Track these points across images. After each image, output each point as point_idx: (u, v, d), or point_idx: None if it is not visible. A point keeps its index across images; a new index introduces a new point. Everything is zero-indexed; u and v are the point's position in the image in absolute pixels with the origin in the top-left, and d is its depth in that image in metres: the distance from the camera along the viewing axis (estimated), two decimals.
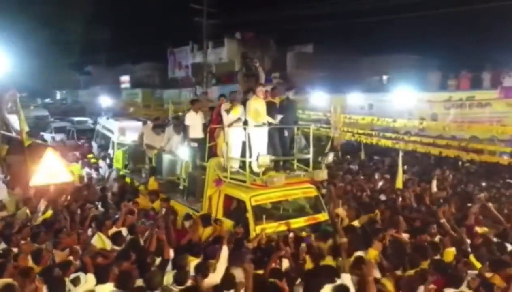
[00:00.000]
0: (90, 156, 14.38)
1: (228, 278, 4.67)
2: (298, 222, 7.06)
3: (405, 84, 14.97)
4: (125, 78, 38.60)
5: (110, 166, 12.87)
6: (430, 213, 7.48)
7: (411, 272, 5.08)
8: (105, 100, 35.06)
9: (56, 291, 4.22)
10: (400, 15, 20.03)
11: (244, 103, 7.86)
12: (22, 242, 5.64)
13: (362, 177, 10.95)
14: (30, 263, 5.00)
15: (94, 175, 11.82)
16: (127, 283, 4.48)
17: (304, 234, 6.54)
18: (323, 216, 7.45)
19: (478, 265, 5.21)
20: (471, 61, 16.24)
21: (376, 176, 10.66)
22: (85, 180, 10.35)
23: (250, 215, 6.75)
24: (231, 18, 25.95)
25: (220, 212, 7.40)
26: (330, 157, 7.93)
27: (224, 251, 5.37)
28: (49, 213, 7.15)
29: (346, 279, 4.70)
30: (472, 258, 5.26)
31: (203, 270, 4.95)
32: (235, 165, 7.42)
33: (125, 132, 12.07)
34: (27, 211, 7.15)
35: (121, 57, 39.20)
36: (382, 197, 9.17)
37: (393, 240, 5.95)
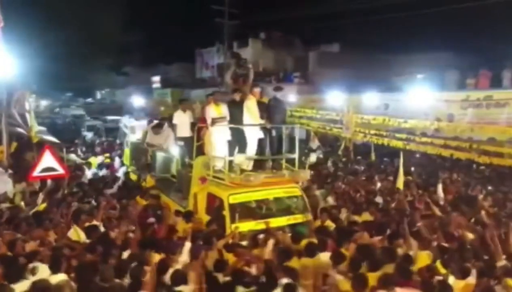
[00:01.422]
0: (106, 154, 15.04)
1: (178, 275, 4.77)
2: (278, 222, 7.06)
3: (423, 83, 14.47)
4: (156, 79, 39.74)
5: (123, 163, 13.40)
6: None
7: (373, 275, 4.98)
8: (138, 100, 36.24)
9: (12, 277, 4.48)
10: (420, 11, 19.25)
11: (232, 102, 8.00)
12: (5, 231, 6.02)
13: (363, 178, 10.73)
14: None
15: (101, 172, 12.32)
16: (83, 274, 4.69)
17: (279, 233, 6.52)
18: (305, 217, 7.41)
19: (443, 271, 5.02)
20: (491, 59, 15.44)
21: (376, 178, 10.40)
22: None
23: (226, 213, 6.84)
24: (255, 18, 26.13)
25: (203, 209, 7.55)
26: (313, 157, 7.83)
27: (186, 248, 5.51)
28: (42, 206, 7.58)
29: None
30: (438, 263, 5.07)
31: (162, 265, 5.11)
32: (218, 164, 7.53)
33: (136, 131, 12.48)
34: (22, 203, 7.61)
35: (154, 58, 40.37)
36: (379, 199, 8.98)
37: (360, 243, 5.84)
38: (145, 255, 5.03)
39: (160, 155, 9.12)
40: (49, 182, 8.52)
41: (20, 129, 9.80)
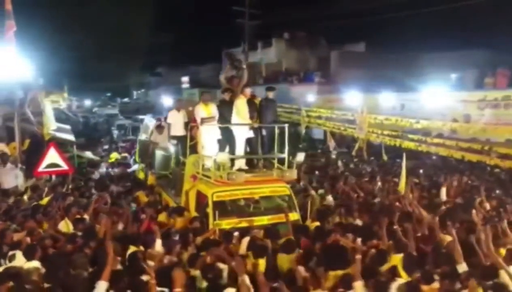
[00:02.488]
0: (124, 152, 15.69)
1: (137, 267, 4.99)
2: (261, 220, 7.15)
3: (439, 82, 14.01)
4: (185, 79, 40.63)
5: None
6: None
7: (332, 273, 5.01)
8: (167, 100, 37.21)
9: None
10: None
11: (222, 102, 8.18)
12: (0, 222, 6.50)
13: (366, 179, 10.58)
14: None
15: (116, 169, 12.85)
16: (54, 262, 5.02)
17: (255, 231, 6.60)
18: (292, 216, 7.44)
19: (404, 274, 4.95)
20: (510, 57, 14.65)
21: (378, 178, 10.24)
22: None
23: (210, 210, 7.00)
24: (279, 18, 26.17)
25: (193, 206, 7.76)
26: (300, 157, 7.84)
27: (158, 243, 5.74)
28: (45, 199, 8.06)
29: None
30: (400, 267, 5.00)
31: (132, 257, 5.36)
32: (207, 162, 7.72)
33: (148, 130, 12.91)
34: (25, 197, 8.14)
35: (184, 58, 41.24)
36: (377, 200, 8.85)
37: (332, 243, 5.84)
38: (107, 246, 5.20)
39: (159, 153, 9.44)
40: (53, 177, 9.02)
41: (33, 127, 10.42)
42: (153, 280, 4.36)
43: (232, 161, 7.87)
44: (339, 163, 13.55)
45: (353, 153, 15.31)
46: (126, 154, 15.29)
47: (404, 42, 25.06)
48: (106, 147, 18.56)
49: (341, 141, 18.16)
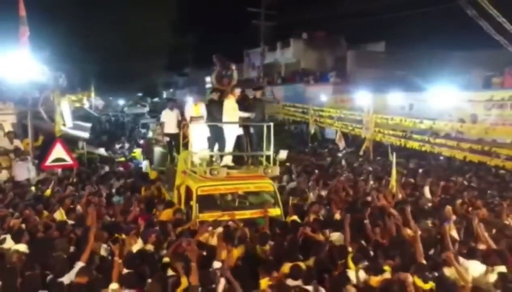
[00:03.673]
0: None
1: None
2: (245, 214, 7.50)
3: (446, 82, 13.85)
4: (208, 79, 41.46)
5: None
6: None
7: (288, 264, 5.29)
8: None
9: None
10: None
11: (211, 102, 8.57)
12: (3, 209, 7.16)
13: (362, 178, 10.71)
14: None
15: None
16: (39, 245, 5.58)
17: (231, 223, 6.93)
18: (275, 211, 7.75)
19: (352, 266, 5.19)
20: None
21: (370, 177, 10.36)
22: None
23: (194, 203, 7.40)
24: (296, 18, 26.29)
25: (183, 200, 8.20)
26: (282, 154, 8.12)
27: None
28: (48, 191, 8.74)
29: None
30: (349, 259, 5.23)
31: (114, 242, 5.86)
32: (195, 158, 8.13)
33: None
34: (33, 188, 8.85)
35: (208, 59, 41.88)
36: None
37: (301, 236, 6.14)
38: (89, 233, 5.66)
39: (157, 150, 9.96)
40: (59, 171, 9.71)
41: (46, 125, 11.20)
42: (119, 260, 4.81)
43: (221, 157, 8.27)
44: (343, 162, 13.68)
45: (360, 153, 15.35)
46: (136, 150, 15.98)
47: (424, 41, 24.65)
48: (124, 144, 19.38)
49: (353, 141, 18.20)
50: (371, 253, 5.49)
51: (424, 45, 24.49)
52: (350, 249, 5.48)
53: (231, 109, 8.25)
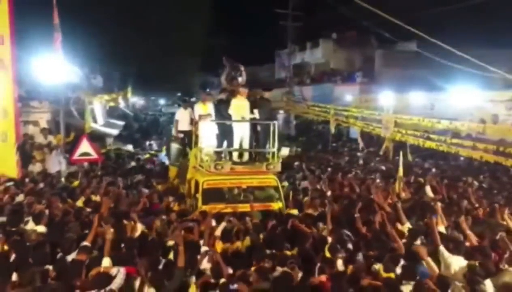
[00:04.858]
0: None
1: None
2: (246, 207, 7.98)
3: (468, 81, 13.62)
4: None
5: None
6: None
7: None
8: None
9: (12, 223, 6.32)
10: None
11: (220, 101, 9.13)
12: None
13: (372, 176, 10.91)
14: None
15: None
16: (55, 227, 6.35)
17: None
18: (276, 205, 8.21)
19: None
20: None
21: (376, 176, 10.56)
22: None
23: (199, 196, 8.01)
24: (324, 18, 26.36)
25: (193, 192, 8.81)
26: (284, 151, 8.53)
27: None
28: (76, 182, 9.64)
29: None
30: (327, 250, 5.57)
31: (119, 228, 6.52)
32: (203, 154, 8.70)
33: None
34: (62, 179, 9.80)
35: (241, 59, 42.71)
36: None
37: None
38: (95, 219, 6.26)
39: (174, 146, 10.62)
40: (86, 164, 10.62)
41: (78, 122, 12.21)
42: (110, 236, 5.41)
43: (230, 153, 8.82)
44: (360, 162, 13.86)
45: (380, 152, 15.42)
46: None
47: (457, 39, 23.94)
48: (154, 142, 20.40)
49: (378, 141, 18.21)
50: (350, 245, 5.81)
51: (457, 44, 23.82)
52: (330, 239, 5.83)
53: (239, 108, 8.76)
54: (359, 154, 15.89)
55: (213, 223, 6.67)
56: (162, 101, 53.34)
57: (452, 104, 14.10)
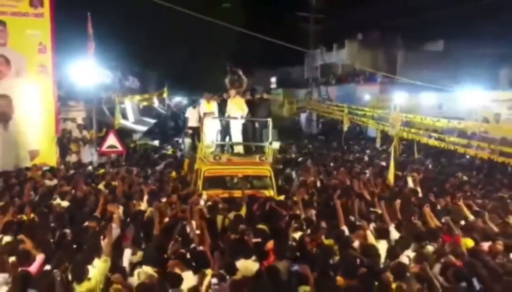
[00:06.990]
0: None
1: None
2: (239, 193, 9.15)
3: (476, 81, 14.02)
4: (273, 79, 43.62)
5: None
6: None
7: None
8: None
9: (42, 201, 7.85)
10: None
11: (222, 100, 10.37)
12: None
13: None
14: None
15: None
16: (76, 202, 7.84)
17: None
18: (268, 192, 9.32)
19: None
20: None
21: (369, 170, 11.37)
22: None
23: (200, 182, 9.28)
24: (348, 19, 26.97)
25: (196, 180, 10.10)
26: (275, 145, 9.62)
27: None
28: (101, 170, 11.21)
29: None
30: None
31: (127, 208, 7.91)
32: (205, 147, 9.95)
33: None
34: (90, 167, 11.44)
35: (273, 60, 43.92)
36: None
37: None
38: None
39: (187, 140, 12.00)
40: (113, 156, 12.23)
41: (109, 119, 13.91)
42: (116, 215, 6.76)
43: (232, 147, 10.09)
44: (365, 158, 14.63)
45: (389, 150, 16.00)
46: None
47: (484, 39, 23.88)
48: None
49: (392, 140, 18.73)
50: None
51: (483, 44, 23.75)
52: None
53: (234, 107, 9.96)
54: (368, 151, 16.57)
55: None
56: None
57: (459, 104, 14.54)
